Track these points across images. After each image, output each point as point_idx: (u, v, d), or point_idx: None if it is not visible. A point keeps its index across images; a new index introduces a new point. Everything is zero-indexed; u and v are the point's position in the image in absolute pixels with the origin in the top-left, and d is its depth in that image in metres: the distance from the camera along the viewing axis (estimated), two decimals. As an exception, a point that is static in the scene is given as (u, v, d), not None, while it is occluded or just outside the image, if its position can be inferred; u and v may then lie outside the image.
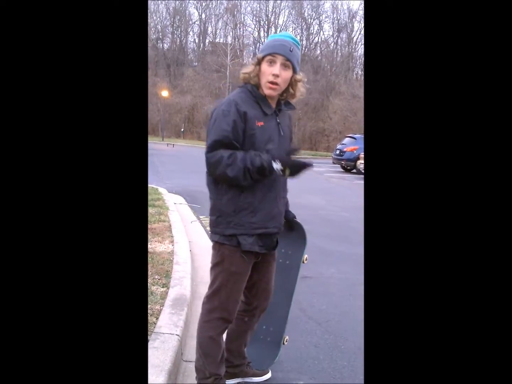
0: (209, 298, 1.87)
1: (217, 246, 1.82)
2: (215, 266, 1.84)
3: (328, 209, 7.86)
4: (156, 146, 25.30)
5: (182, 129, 37.51)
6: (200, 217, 6.22)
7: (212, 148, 1.70)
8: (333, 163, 18.07)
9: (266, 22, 45.15)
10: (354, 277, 4.03)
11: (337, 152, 17.41)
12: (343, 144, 17.55)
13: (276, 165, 1.68)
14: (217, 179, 1.75)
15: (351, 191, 11.23)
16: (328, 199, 9.18)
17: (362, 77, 39.61)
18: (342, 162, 16.96)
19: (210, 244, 1.93)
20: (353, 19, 41.76)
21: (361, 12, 40.27)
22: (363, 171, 14.84)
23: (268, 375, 2.25)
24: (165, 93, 34.11)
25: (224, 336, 1.98)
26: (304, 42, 44.37)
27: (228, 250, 1.78)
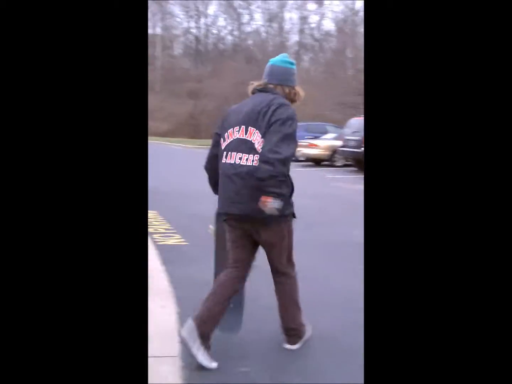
0: (289, 264, 2.32)
1: (282, 224, 2.18)
2: (283, 240, 2.22)
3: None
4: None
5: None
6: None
7: (288, 161, 2.03)
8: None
9: (196, 13, 44.46)
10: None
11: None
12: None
13: None
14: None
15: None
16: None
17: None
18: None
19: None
20: (283, 9, 42.07)
21: (290, 2, 40.66)
22: (300, 159, 14.92)
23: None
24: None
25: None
26: (236, 32, 44.28)
27: (289, 225, 2.25)
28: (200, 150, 21.05)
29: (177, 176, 10.26)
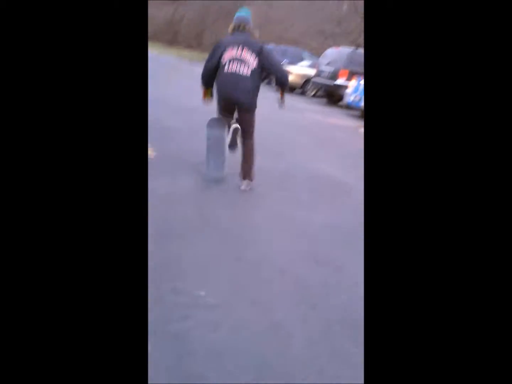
0: (252, 132, 3.91)
1: (254, 110, 3.87)
2: (253, 119, 3.87)
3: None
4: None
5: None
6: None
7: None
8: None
9: None
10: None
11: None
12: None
13: None
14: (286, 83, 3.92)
15: (261, 104, 11.54)
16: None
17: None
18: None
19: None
20: None
21: None
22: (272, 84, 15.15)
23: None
24: None
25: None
26: None
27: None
28: (177, 60, 20.63)
29: (153, 84, 10.39)
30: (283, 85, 3.88)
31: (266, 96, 6.38)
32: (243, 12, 3.92)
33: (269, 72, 3.82)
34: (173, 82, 11.77)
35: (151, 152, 4.51)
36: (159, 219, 2.92)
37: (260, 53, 3.69)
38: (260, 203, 3.74)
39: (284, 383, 1.68)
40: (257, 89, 3.80)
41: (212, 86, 3.97)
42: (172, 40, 33.31)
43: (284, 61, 15.10)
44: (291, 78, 14.75)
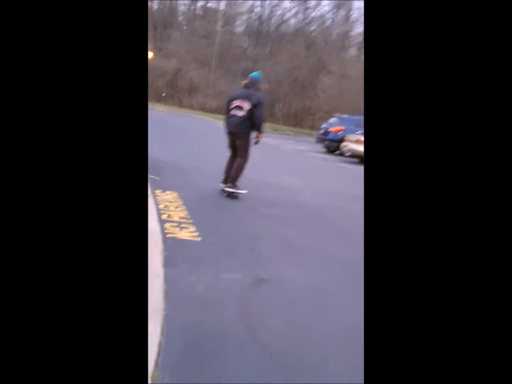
0: (247, 156, 5.61)
1: (247, 139, 5.57)
2: (248, 146, 5.56)
3: (304, 194, 7.07)
4: (133, 109, 24.12)
5: (164, 94, 36.03)
6: (156, 191, 5.37)
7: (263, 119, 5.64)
8: (316, 142, 17.41)
9: (262, -9, 43.35)
10: (325, 283, 3.24)
11: (322, 131, 16.69)
12: (329, 123, 16.79)
13: None
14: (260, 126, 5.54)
15: (332, 175, 10.49)
16: (306, 182, 8.40)
17: (355, 58, 38.60)
18: (326, 142, 16.22)
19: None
20: (354, -4, 40.32)
21: (359, -10, 38.81)
22: (346, 154, 14.12)
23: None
24: (149, 54, 32.47)
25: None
26: (301, 15, 43.09)
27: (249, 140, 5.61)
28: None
29: (213, 156, 9.73)
30: (257, 129, 5.53)
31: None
32: (255, 74, 5.74)
33: (253, 117, 5.43)
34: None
35: (195, 236, 3.67)
36: None
37: (255, 106, 5.41)
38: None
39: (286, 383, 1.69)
40: (248, 127, 5.51)
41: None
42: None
43: (359, 131, 14.03)
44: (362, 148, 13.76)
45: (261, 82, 5.74)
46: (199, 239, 3.70)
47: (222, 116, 7.34)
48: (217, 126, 21.51)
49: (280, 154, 13.59)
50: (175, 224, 4.03)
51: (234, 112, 5.53)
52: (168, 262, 3.02)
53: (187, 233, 3.81)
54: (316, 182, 8.80)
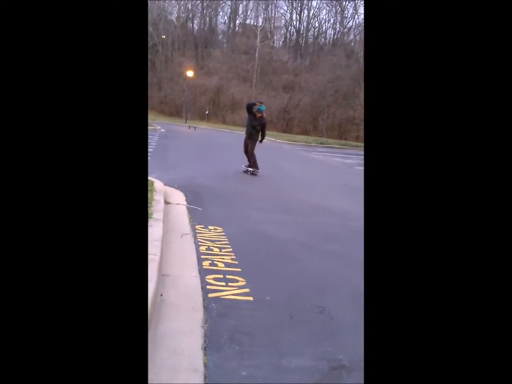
0: (251, 152, 9.63)
1: (254, 140, 9.73)
2: (251, 144, 9.64)
3: (360, 218, 6.14)
4: (177, 128, 23.98)
5: (207, 112, 35.85)
6: (197, 227, 4.64)
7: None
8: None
9: (299, 4, 42.86)
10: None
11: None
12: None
13: None
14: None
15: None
16: (360, 202, 7.46)
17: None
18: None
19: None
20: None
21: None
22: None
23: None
24: (190, 73, 32.39)
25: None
26: (338, 26, 42.23)
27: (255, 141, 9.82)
28: (287, 146, 19.55)
29: (257, 178, 8.99)
30: (262, 137, 9.58)
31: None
32: (259, 107, 9.42)
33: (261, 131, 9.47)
34: (283, 169, 10.27)
35: (245, 292, 2.96)
36: None
37: (259, 125, 9.42)
38: None
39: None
40: (253, 133, 9.47)
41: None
42: (286, 127, 33.28)
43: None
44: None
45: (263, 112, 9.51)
46: (250, 298, 2.90)
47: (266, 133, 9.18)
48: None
49: (329, 169, 12.66)
50: (220, 275, 3.24)
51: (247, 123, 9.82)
52: (210, 343, 2.24)
53: (235, 289, 3.01)
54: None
